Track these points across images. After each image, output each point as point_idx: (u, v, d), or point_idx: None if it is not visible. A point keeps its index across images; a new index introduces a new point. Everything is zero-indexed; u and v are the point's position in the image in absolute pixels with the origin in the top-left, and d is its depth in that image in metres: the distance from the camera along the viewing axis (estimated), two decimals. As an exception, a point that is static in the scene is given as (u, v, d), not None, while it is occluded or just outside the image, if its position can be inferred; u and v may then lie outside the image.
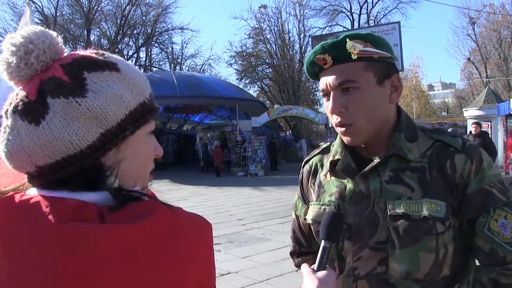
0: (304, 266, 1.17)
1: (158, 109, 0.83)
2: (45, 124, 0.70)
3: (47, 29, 0.78)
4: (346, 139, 1.28)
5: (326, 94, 1.27)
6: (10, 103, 0.74)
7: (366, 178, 1.27)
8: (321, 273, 1.12)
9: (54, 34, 0.78)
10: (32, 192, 0.75)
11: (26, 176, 0.76)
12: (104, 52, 0.80)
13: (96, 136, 0.72)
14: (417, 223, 1.19)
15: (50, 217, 0.66)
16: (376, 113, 1.24)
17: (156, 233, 0.67)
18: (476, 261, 1.28)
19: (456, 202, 1.21)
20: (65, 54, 0.78)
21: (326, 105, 1.28)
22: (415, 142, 1.27)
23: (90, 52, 0.78)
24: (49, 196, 0.70)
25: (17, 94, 0.75)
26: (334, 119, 1.28)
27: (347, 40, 1.22)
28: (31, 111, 0.71)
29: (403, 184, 1.23)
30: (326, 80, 1.25)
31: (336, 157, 1.35)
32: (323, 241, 1.16)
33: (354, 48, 1.21)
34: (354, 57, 1.21)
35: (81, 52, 0.78)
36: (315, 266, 1.15)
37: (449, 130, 9.83)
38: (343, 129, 1.26)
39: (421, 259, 1.19)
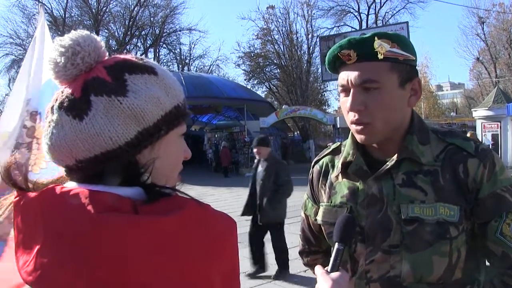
0: (318, 268, 1.18)
1: (190, 114, 0.88)
2: (88, 120, 0.75)
3: (92, 34, 0.83)
4: (360, 137, 1.26)
5: (345, 90, 1.25)
6: (56, 100, 0.79)
7: (379, 181, 1.27)
8: (335, 275, 1.13)
9: (99, 38, 0.83)
10: (70, 186, 0.79)
11: (64, 169, 0.81)
12: (143, 57, 0.85)
13: (134, 134, 0.76)
14: (431, 227, 1.19)
15: (89, 207, 0.70)
16: (394, 115, 1.23)
17: (186, 226, 0.71)
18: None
19: (468, 206, 1.21)
20: (106, 57, 0.83)
21: (343, 101, 1.26)
22: (427, 145, 1.26)
23: (130, 56, 0.83)
24: (87, 189, 0.74)
25: (62, 91, 0.79)
26: (350, 116, 1.25)
27: (375, 38, 1.19)
28: (75, 108, 0.76)
29: (416, 188, 1.23)
30: (348, 76, 1.23)
31: (348, 159, 1.34)
32: (336, 243, 1.17)
33: (381, 47, 1.19)
34: (380, 56, 1.19)
35: (122, 56, 0.84)
36: (328, 267, 1.16)
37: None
38: (360, 127, 1.24)
39: (434, 263, 1.19)
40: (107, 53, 0.84)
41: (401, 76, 1.21)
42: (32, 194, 0.77)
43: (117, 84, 0.76)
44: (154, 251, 0.67)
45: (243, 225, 8.93)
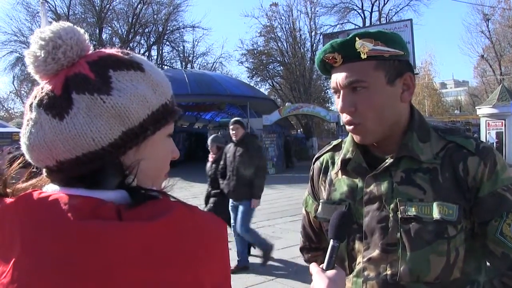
0: (313, 266, 1.17)
1: (178, 111, 0.83)
2: (69, 119, 0.70)
3: (75, 26, 0.78)
4: (356, 137, 1.29)
5: (336, 92, 1.27)
6: (35, 97, 0.74)
7: (377, 179, 1.26)
8: (331, 272, 1.12)
9: (82, 31, 0.78)
10: (50, 189, 0.75)
11: (44, 170, 0.76)
12: (129, 52, 0.80)
13: (118, 134, 0.72)
14: (429, 226, 1.18)
15: (69, 214, 0.66)
16: (385, 113, 1.23)
17: (174, 231, 0.67)
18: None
19: (468, 205, 1.20)
20: (90, 51, 0.78)
21: (337, 103, 1.28)
22: (427, 142, 1.25)
23: (115, 51, 0.79)
24: (67, 194, 0.70)
25: (42, 88, 0.75)
26: (343, 117, 1.27)
27: (356, 39, 1.20)
28: (55, 106, 0.71)
29: (414, 186, 1.22)
30: (337, 78, 1.25)
31: (348, 156, 1.34)
32: (331, 240, 1.16)
33: (363, 47, 1.19)
34: (363, 56, 1.20)
35: (107, 50, 0.79)
36: (323, 265, 1.14)
37: None
38: (351, 127, 1.26)
39: (432, 262, 1.18)
40: (91, 46, 0.79)
41: (389, 73, 1.22)
42: (8, 201, 0.72)
43: (100, 81, 0.72)
44: (141, 260, 0.63)
45: (246, 223, 8.97)
